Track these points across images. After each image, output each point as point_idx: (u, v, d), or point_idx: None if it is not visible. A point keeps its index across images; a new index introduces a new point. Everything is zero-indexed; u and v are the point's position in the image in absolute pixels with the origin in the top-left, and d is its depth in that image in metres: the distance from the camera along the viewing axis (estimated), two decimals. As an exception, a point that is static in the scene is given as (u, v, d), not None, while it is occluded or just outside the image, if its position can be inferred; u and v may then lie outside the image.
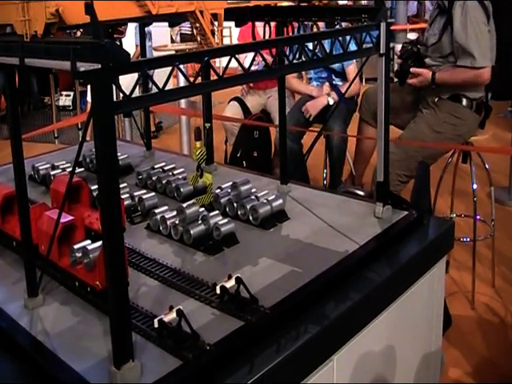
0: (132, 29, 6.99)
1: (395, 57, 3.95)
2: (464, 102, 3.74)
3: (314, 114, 4.77)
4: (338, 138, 4.58)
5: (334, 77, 4.89)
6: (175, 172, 2.33)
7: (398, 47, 7.57)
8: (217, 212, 1.88)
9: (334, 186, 4.63)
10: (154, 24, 3.16)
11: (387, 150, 1.92)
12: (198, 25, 1.55)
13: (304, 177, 4.77)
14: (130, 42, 6.89)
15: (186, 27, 7.83)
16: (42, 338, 1.40)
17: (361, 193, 2.39)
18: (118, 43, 2.37)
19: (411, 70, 3.77)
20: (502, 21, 3.69)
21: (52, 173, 2.36)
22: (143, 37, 2.73)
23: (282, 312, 1.45)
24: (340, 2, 4.53)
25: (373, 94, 3.85)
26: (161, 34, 7.71)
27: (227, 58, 1.39)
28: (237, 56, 1.39)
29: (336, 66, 4.80)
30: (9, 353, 1.39)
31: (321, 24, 2.10)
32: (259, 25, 2.08)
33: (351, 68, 4.76)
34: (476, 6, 3.56)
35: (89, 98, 7.26)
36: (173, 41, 7.40)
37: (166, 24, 2.17)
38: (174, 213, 1.90)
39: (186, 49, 5.22)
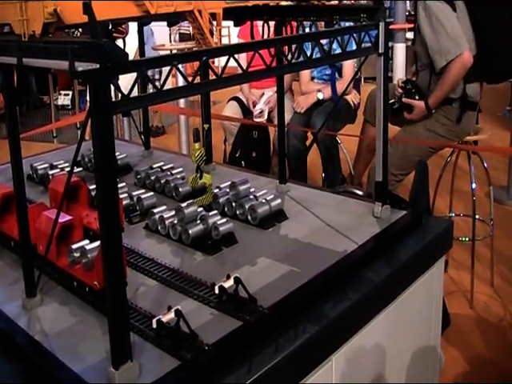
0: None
1: (396, 85, 3.98)
2: (455, 104, 3.74)
3: (306, 108, 4.91)
4: (323, 134, 4.61)
5: (337, 75, 4.91)
6: (174, 171, 2.32)
7: (397, 46, 7.58)
8: (215, 212, 1.88)
9: (329, 183, 4.67)
10: (156, 23, 3.15)
11: (386, 149, 1.92)
12: (196, 24, 1.55)
13: (303, 176, 4.81)
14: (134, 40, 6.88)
15: (184, 27, 7.83)
16: (40, 339, 1.40)
17: (359, 192, 2.38)
18: (122, 43, 2.37)
19: (404, 100, 3.82)
20: (476, 8, 3.68)
21: (50, 172, 2.36)
22: (142, 37, 2.73)
23: (280, 312, 1.45)
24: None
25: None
26: (162, 33, 7.73)
27: (226, 58, 1.39)
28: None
29: (339, 63, 4.83)
30: (7, 353, 1.39)
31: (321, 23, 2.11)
32: (260, 24, 2.08)
33: (349, 63, 4.79)
34: (437, 2, 3.57)
35: (88, 98, 7.23)
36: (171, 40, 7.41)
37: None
38: (173, 212, 1.89)
39: (184, 48, 5.22)
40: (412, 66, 4.06)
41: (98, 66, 1.07)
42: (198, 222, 1.83)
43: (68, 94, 9.62)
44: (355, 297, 1.56)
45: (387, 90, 1.89)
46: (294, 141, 4.71)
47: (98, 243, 1.50)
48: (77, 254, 1.53)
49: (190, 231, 1.80)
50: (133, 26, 2.68)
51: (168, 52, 5.38)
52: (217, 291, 1.48)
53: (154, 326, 1.34)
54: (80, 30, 1.84)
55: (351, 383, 1.59)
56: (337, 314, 1.50)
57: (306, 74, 5.01)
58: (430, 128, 3.79)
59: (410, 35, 8.66)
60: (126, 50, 1.18)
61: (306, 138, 4.86)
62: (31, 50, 1.25)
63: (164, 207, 1.97)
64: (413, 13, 9.41)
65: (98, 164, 1.15)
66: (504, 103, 7.53)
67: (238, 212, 1.98)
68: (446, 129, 3.77)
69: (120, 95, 1.16)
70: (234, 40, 5.54)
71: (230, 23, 2.00)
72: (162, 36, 7.50)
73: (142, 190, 2.16)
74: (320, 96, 4.85)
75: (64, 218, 1.60)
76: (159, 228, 1.91)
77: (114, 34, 2.34)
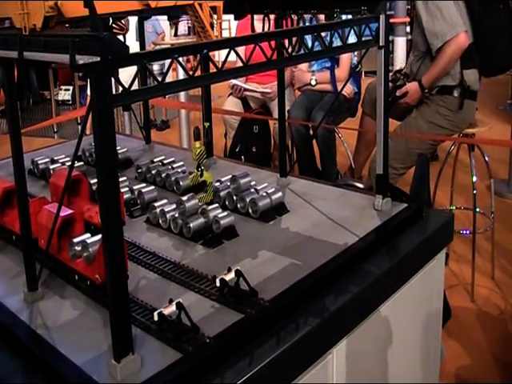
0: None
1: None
2: (455, 93, 3.74)
3: (297, 86, 5.12)
4: (321, 128, 4.62)
5: (336, 66, 4.94)
6: (174, 165, 2.33)
7: (398, 40, 7.59)
8: (216, 205, 1.88)
9: (327, 177, 4.68)
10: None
11: (386, 142, 1.92)
12: (196, 18, 1.55)
13: (312, 160, 4.86)
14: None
15: (184, 21, 7.84)
16: (42, 332, 1.40)
17: (360, 185, 2.39)
18: (122, 39, 2.36)
19: (398, 92, 3.84)
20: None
21: (51, 167, 2.36)
22: (142, 31, 2.73)
23: (281, 305, 1.45)
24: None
25: (374, 87, 3.87)
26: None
27: (226, 52, 1.39)
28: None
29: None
30: (8, 346, 1.39)
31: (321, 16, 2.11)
32: (257, 18, 2.08)
33: (346, 54, 4.85)
34: None
35: (89, 92, 7.26)
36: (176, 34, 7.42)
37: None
38: (174, 206, 1.90)
39: (185, 42, 5.23)
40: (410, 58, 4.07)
41: (98, 58, 1.07)
42: (199, 215, 1.83)
43: (68, 89, 9.64)
44: (356, 290, 1.57)
45: (388, 84, 1.89)
46: (297, 127, 4.74)
47: (99, 237, 1.50)
48: (78, 248, 1.53)
49: (191, 224, 1.80)
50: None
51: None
52: (218, 284, 1.48)
53: (156, 318, 1.34)
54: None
55: (352, 376, 1.60)
56: (338, 306, 1.50)
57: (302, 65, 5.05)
58: (431, 120, 3.79)
59: (409, 30, 8.66)
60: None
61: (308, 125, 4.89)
62: (32, 43, 1.24)
63: (165, 201, 1.97)
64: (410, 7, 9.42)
65: (98, 158, 1.15)
66: (504, 97, 7.53)
67: (238, 205, 1.98)
68: (447, 119, 3.77)
69: (120, 88, 1.16)
70: (235, 33, 5.56)
71: (231, 16, 2.00)
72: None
73: (143, 184, 2.16)
74: (313, 82, 4.93)
75: (65, 212, 1.60)
76: (160, 221, 1.91)
77: (114, 30, 2.34)
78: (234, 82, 5.25)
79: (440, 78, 3.75)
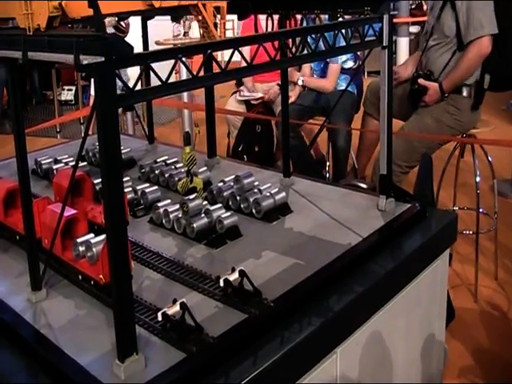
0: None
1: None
2: (464, 92, 3.72)
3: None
4: (342, 133, 4.58)
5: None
6: (178, 165, 2.32)
7: (401, 40, 7.58)
8: (220, 205, 1.88)
9: (337, 180, 4.65)
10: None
11: (390, 142, 1.92)
12: (200, 18, 1.54)
13: (310, 166, 4.80)
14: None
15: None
16: (46, 332, 1.40)
17: (364, 186, 2.38)
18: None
19: (419, 81, 3.77)
20: (498, 6, 3.64)
21: (55, 167, 2.36)
22: (145, 31, 2.73)
23: (285, 305, 1.45)
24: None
25: (377, 87, 3.84)
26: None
27: (229, 52, 1.39)
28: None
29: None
30: (12, 346, 1.39)
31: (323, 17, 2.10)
32: (262, 18, 2.08)
33: (335, 66, 4.78)
34: None
35: (92, 92, 7.27)
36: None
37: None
38: (177, 206, 1.90)
39: (188, 43, 5.22)
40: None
41: (103, 58, 1.07)
42: (203, 215, 1.83)
43: (71, 89, 9.62)
44: (360, 290, 1.57)
45: (391, 83, 1.89)
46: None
47: (102, 237, 1.50)
48: (82, 248, 1.54)
49: (195, 225, 1.80)
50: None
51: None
52: (222, 284, 1.48)
53: (160, 318, 1.34)
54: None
55: (356, 376, 1.60)
56: (341, 306, 1.50)
57: (307, 67, 5.00)
58: (439, 118, 3.77)
59: (413, 29, 8.67)
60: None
61: (299, 127, 4.81)
62: (36, 43, 1.25)
63: (168, 201, 1.98)
64: (413, 7, 9.42)
65: (103, 158, 1.15)
66: (507, 97, 7.50)
67: (242, 205, 1.98)
68: (454, 119, 3.74)
69: (125, 88, 1.16)
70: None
71: (235, 17, 2.00)
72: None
73: (147, 184, 2.17)
74: (299, 82, 4.89)
75: (69, 211, 1.60)
76: (164, 222, 1.91)
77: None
78: (246, 94, 5.22)
79: (461, 82, 3.70)
